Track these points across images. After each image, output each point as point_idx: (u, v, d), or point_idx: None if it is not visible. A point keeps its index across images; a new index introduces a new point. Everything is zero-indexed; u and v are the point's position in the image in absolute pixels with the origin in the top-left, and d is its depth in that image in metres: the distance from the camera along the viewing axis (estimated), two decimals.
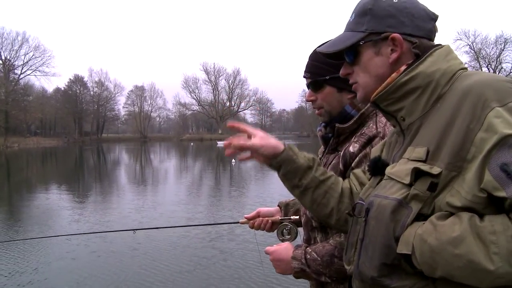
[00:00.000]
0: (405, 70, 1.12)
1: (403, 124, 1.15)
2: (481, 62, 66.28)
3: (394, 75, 1.13)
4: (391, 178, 1.09)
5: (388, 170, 1.13)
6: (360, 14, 1.19)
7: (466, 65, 1.16)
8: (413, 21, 1.14)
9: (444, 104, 1.05)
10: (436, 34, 1.18)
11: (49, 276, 6.99)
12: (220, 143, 73.23)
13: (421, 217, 0.99)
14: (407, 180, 1.02)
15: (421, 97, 1.10)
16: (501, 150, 0.89)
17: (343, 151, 1.65)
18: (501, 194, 0.88)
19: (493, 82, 0.99)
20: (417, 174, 1.00)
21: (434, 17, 1.17)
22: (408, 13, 1.14)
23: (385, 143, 1.29)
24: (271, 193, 15.55)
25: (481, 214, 0.92)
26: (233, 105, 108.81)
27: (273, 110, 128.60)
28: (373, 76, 1.18)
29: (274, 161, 1.39)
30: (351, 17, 1.22)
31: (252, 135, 1.39)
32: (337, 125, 1.68)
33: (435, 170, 0.98)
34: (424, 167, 1.00)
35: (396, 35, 1.13)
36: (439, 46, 1.14)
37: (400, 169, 1.07)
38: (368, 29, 1.16)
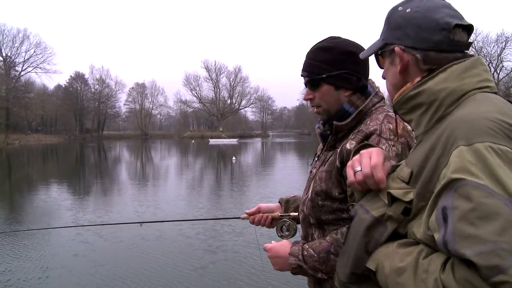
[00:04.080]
0: (416, 82, 1.11)
1: (415, 134, 1.18)
2: None
3: (408, 84, 1.14)
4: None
5: None
6: (384, 22, 1.21)
7: (490, 83, 1.07)
8: (418, 33, 1.10)
9: (440, 128, 1.02)
10: (457, 42, 1.09)
11: (53, 270, 7.02)
12: (212, 141, 72.37)
13: (397, 235, 1.03)
14: (386, 200, 1.05)
15: (425, 114, 1.09)
16: (447, 193, 0.88)
17: (340, 148, 1.67)
18: (435, 236, 0.88)
19: (474, 119, 0.94)
20: (393, 197, 1.03)
21: (447, 27, 1.08)
22: (415, 25, 1.11)
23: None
24: (272, 189, 15.60)
25: (435, 250, 0.92)
26: (234, 102, 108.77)
27: (274, 107, 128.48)
28: (391, 84, 1.21)
29: None
30: None
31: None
32: (334, 122, 1.69)
33: (408, 197, 1.01)
34: (398, 192, 1.02)
35: (396, 48, 1.14)
36: (462, 59, 1.08)
37: (387, 185, 1.10)
38: (384, 40, 1.19)
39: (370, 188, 1.11)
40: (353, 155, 1.23)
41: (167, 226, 9.29)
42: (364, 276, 1.07)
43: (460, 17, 1.12)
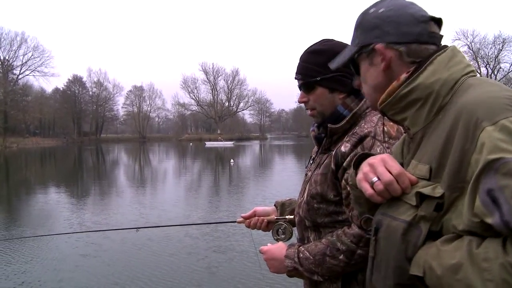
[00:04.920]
0: (406, 80, 1.11)
1: (409, 133, 1.16)
2: (479, 62, 66.32)
3: (394, 83, 1.12)
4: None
5: None
6: (355, 28, 1.22)
7: (472, 67, 1.12)
8: (398, 29, 1.13)
9: (445, 118, 1.03)
10: (433, 33, 1.14)
11: (49, 276, 7.02)
12: (209, 144, 72.53)
13: (430, 233, 1.00)
14: (413, 202, 1.01)
15: (422, 109, 1.09)
16: (488, 175, 0.87)
17: (335, 150, 1.67)
18: (488, 220, 0.87)
19: (487, 99, 0.96)
20: (422, 196, 1.00)
21: (422, 19, 1.13)
22: (392, 21, 1.14)
23: (404, 143, 1.26)
24: (273, 191, 15.64)
25: (483, 237, 0.91)
26: (232, 105, 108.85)
27: (272, 110, 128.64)
28: (372, 86, 1.21)
29: None
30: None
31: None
32: (329, 125, 1.70)
33: (438, 192, 0.98)
34: (427, 189, 1.00)
35: (378, 45, 1.14)
36: (442, 50, 1.12)
37: None
38: (360, 43, 1.20)
39: (390, 197, 1.07)
40: (355, 166, 1.19)
41: (163, 231, 9.32)
42: (408, 285, 1.03)
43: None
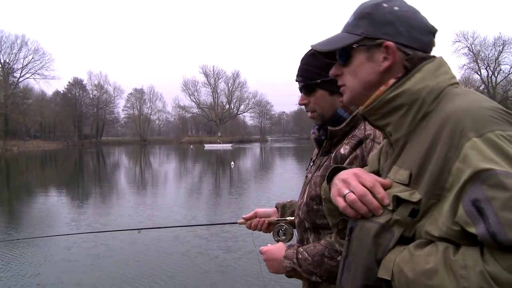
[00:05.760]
0: (393, 84, 1.09)
1: (390, 138, 1.13)
2: (480, 64, 66.42)
3: (382, 88, 1.10)
4: None
5: None
6: (359, 17, 1.16)
7: (457, 79, 1.12)
8: (411, 32, 1.11)
9: (429, 125, 1.02)
10: (433, 48, 1.15)
11: (50, 277, 7.04)
12: (208, 146, 72.46)
13: (403, 239, 1.00)
14: (390, 206, 1.02)
15: (407, 115, 1.08)
16: (474, 185, 0.87)
17: (334, 153, 1.69)
18: (472, 230, 0.87)
19: (474, 109, 0.95)
20: (399, 200, 1.00)
21: (433, 31, 1.14)
22: (407, 23, 1.11)
23: (381, 151, 1.26)
24: (275, 192, 15.66)
25: (457, 244, 0.91)
26: (232, 107, 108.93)
27: (273, 112, 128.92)
28: (362, 81, 1.15)
29: None
30: (350, 18, 1.19)
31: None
32: (329, 128, 1.72)
33: (415, 197, 0.98)
34: (404, 194, 1.00)
35: (390, 43, 1.09)
36: (430, 59, 1.10)
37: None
38: (364, 33, 1.13)
39: (364, 211, 1.04)
40: (328, 180, 1.18)
41: (164, 232, 9.38)
42: (375, 287, 1.03)
43: None
